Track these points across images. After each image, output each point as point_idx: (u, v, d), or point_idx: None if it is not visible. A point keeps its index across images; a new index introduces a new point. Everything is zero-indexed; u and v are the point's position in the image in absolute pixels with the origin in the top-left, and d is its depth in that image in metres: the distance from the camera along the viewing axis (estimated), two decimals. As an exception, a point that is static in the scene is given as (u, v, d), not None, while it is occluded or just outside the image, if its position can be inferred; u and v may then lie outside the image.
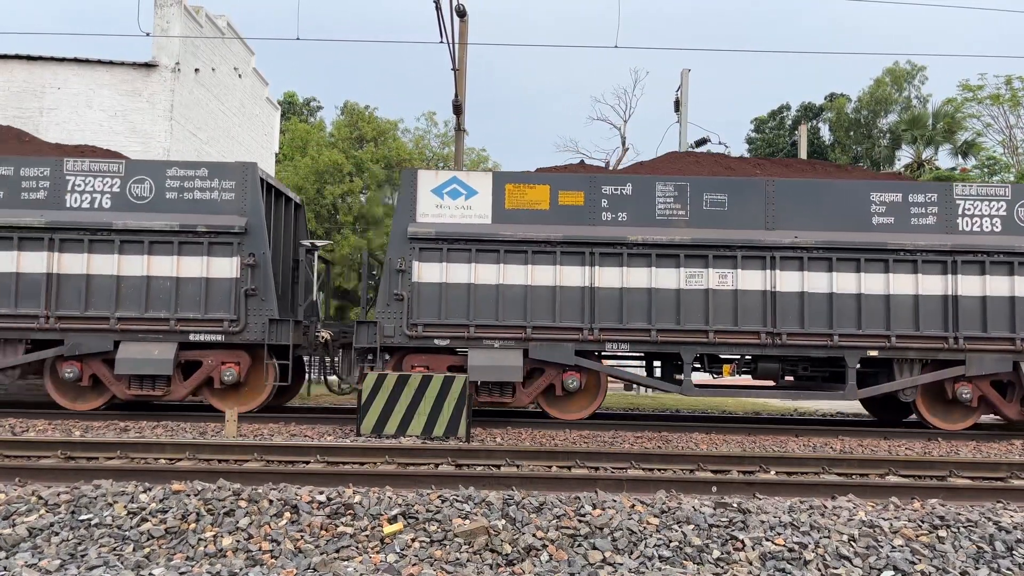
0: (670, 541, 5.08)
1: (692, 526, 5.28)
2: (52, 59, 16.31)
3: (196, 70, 17.37)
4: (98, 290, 10.84)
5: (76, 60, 16.29)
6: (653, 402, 16.67)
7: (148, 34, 15.53)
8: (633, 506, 5.57)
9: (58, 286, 10.83)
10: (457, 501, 5.54)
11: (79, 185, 11.03)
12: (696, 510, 5.50)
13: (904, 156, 34.95)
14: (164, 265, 10.90)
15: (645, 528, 5.24)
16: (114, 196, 11.01)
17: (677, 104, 20.29)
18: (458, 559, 4.83)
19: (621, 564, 4.82)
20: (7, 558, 4.59)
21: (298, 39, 16.87)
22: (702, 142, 13.52)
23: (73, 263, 10.88)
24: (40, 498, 5.32)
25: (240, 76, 20.36)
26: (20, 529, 4.91)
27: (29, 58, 16.32)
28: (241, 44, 20.40)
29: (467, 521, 5.23)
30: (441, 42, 15.10)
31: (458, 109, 16.24)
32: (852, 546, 5.07)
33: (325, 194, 28.29)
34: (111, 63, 16.32)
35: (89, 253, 10.86)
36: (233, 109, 20.01)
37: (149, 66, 16.25)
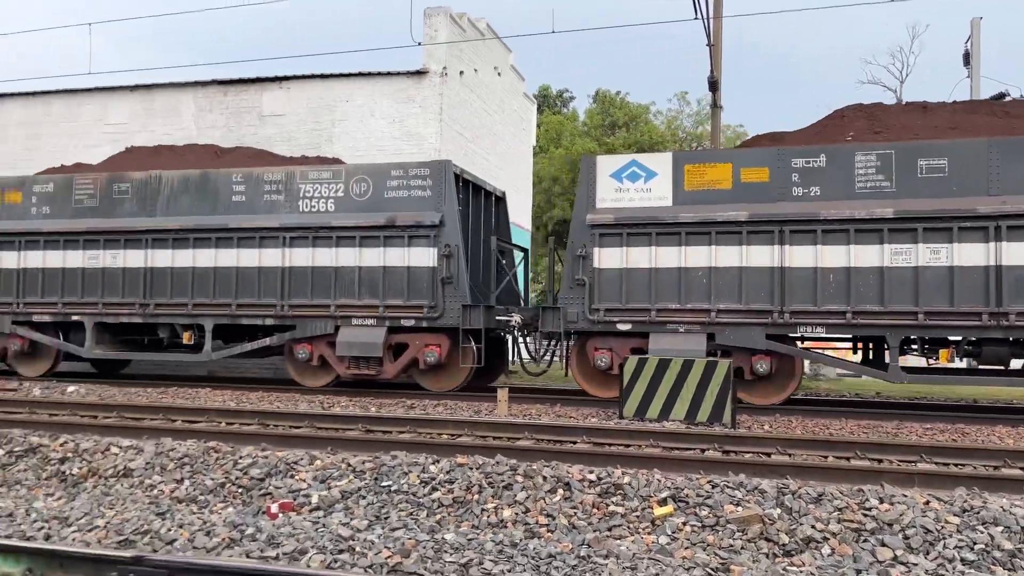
0: (974, 543, 4.59)
1: (1000, 528, 4.73)
2: (342, 75, 18.24)
3: (461, 73, 18.52)
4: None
5: (360, 75, 18.07)
6: (906, 390, 15.07)
7: (420, 43, 16.81)
8: (927, 503, 5.10)
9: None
10: (728, 487, 5.43)
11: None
12: (1005, 511, 4.91)
13: None
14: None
15: (943, 527, 4.77)
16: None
17: (967, 57, 18.09)
18: (731, 546, 4.74)
19: (916, 564, 4.44)
20: (325, 516, 5.26)
21: (553, 32, 17.34)
22: (1000, 97, 11.90)
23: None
24: (349, 465, 6.04)
25: (499, 74, 21.39)
26: (334, 492, 5.61)
27: (323, 76, 18.39)
28: (500, 44, 21.41)
29: (739, 508, 5.11)
30: (695, 18, 14.74)
31: (714, 86, 15.77)
32: None
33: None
34: (389, 74, 17.91)
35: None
36: (494, 107, 21.08)
37: (420, 73, 17.60)
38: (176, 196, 12.86)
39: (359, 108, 18.38)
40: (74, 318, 13.03)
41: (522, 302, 13.42)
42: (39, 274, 13.18)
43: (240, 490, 5.80)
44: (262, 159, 14.07)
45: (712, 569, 4.38)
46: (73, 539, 4.75)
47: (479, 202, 13.29)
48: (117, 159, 15.13)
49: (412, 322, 11.80)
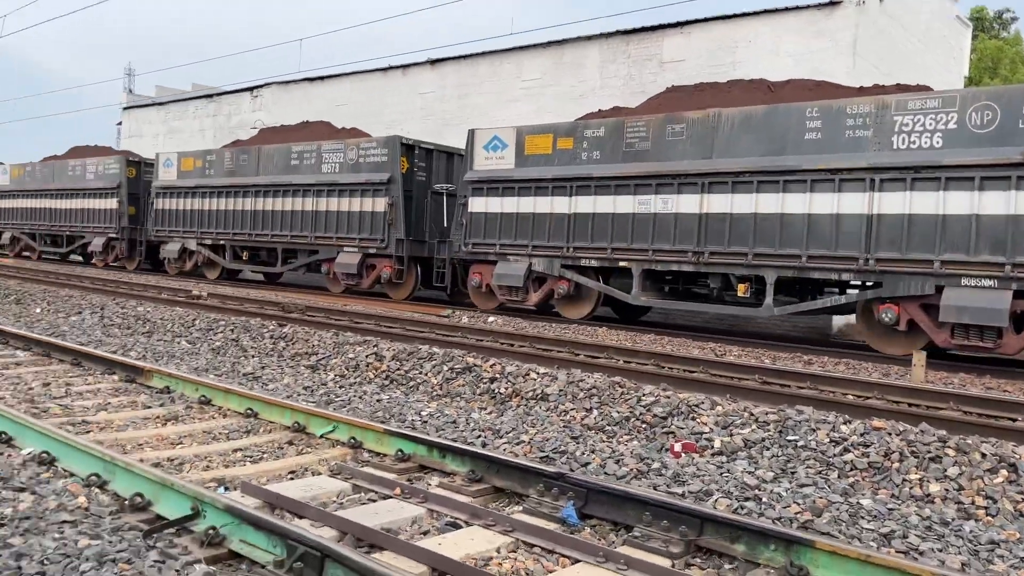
0: None
1: None
2: (744, 15, 17.57)
3: (880, -1, 16.67)
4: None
5: (766, 12, 17.22)
6: None
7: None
8: None
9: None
10: None
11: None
12: None
13: None
14: (996, 202, 9.77)
15: None
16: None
17: None
18: None
19: None
20: (728, 461, 5.21)
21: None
22: None
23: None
24: (751, 415, 5.91)
25: (927, -3, 18.83)
26: (737, 439, 5.54)
27: (726, 17, 17.88)
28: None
29: None
30: None
31: None
32: None
33: None
34: (797, 8, 16.80)
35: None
36: (917, 35, 18.66)
37: (833, 4, 16.21)
38: (736, 135, 11.83)
39: (761, 48, 17.58)
40: (621, 264, 12.90)
41: None
42: (589, 219, 13.21)
43: (644, 426, 6.02)
44: (821, 91, 12.56)
45: None
46: (503, 449, 5.34)
47: None
48: (654, 102, 14.32)
49: None
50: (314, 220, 17.19)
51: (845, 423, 5.59)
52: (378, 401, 6.93)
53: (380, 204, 15.95)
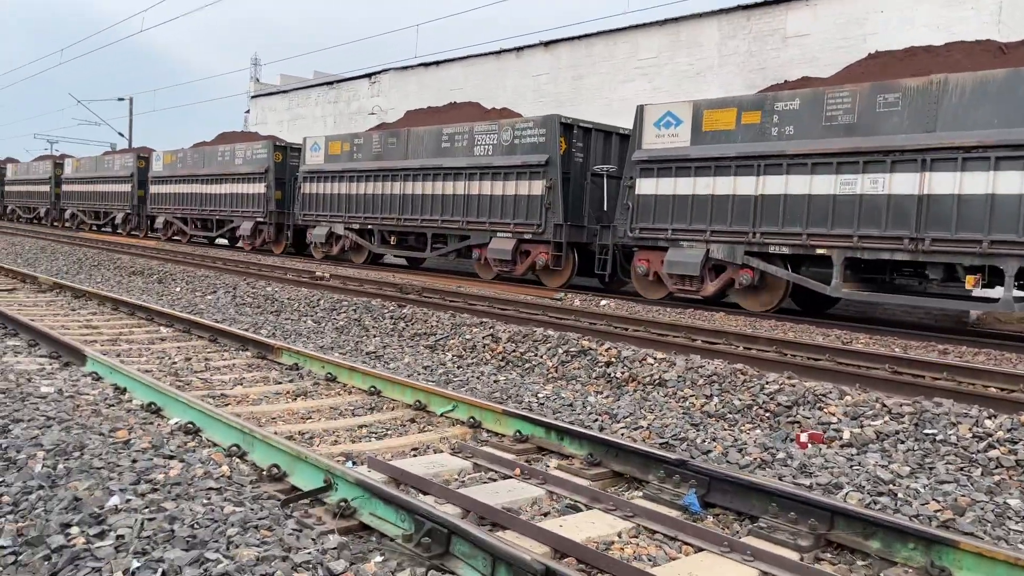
0: None
1: None
2: (876, -16, 16.63)
3: (1030, -39, 15.41)
4: None
5: (900, -21, 16.25)
6: None
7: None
8: None
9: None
10: None
11: None
12: None
13: None
14: None
15: None
16: None
17: None
18: None
19: None
20: (859, 454, 4.99)
21: None
22: None
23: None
24: (884, 406, 5.63)
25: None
26: (868, 431, 5.29)
27: (856, -12, 16.97)
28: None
29: None
30: None
31: None
32: None
33: None
34: (934, -26, 15.76)
35: None
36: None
37: (975, -32, 15.12)
38: (967, 105, 10.43)
39: (896, 18, 16.59)
40: (819, 251, 11.56)
41: None
42: (779, 201, 11.88)
43: (767, 414, 5.84)
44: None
45: None
46: (621, 434, 5.30)
47: None
48: (856, 69, 12.90)
49: None
50: (466, 204, 16.49)
51: (990, 417, 5.25)
52: (495, 382, 7.02)
53: (537, 187, 15.03)
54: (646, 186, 13.46)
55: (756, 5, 19.43)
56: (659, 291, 13.71)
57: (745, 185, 12.28)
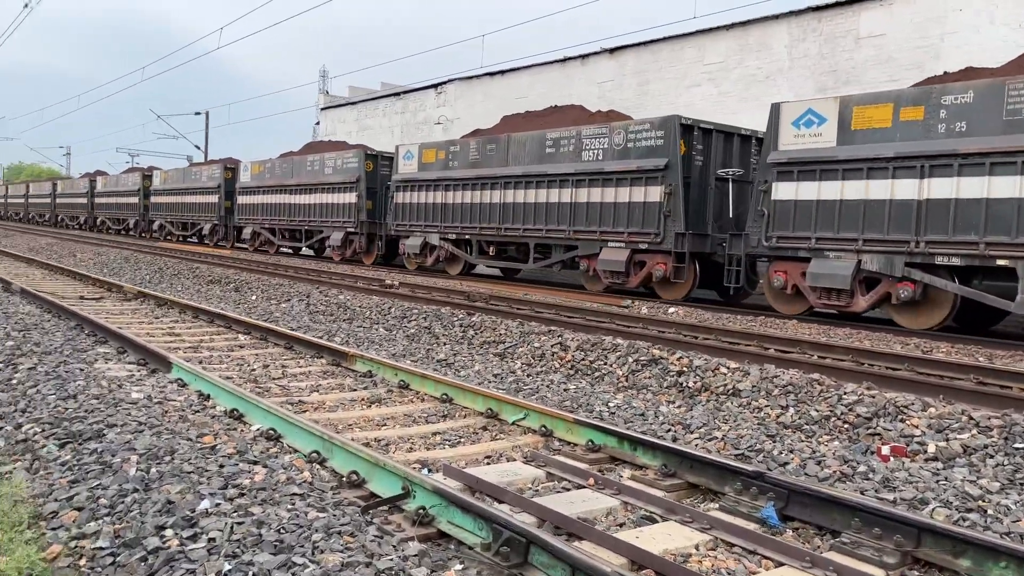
0: None
1: None
2: (955, -19, 16.11)
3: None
4: None
5: (980, -25, 15.70)
6: None
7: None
8: None
9: None
10: None
11: None
12: None
13: None
14: None
15: None
16: None
17: None
18: None
19: None
20: (945, 468, 4.83)
21: None
22: None
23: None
24: (971, 418, 5.44)
25: None
26: (954, 444, 5.12)
27: (933, -14, 16.48)
28: None
29: None
30: None
31: None
32: None
33: None
34: (1018, -31, 15.18)
35: None
36: None
37: (1063, -38, 14.49)
38: None
39: (974, 16, 16.03)
40: (1000, 262, 10.30)
41: None
42: (948, 206, 10.68)
43: (846, 426, 5.70)
44: None
45: None
46: (695, 445, 5.25)
47: None
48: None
49: None
50: (573, 212, 15.54)
51: (1087, 433, 5.02)
52: (565, 390, 7.02)
53: (654, 193, 14.00)
54: (784, 191, 12.32)
55: (828, 6, 19.01)
56: (798, 305, 12.58)
57: (906, 189, 11.06)
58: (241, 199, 29.36)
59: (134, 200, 38.13)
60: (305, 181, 25.10)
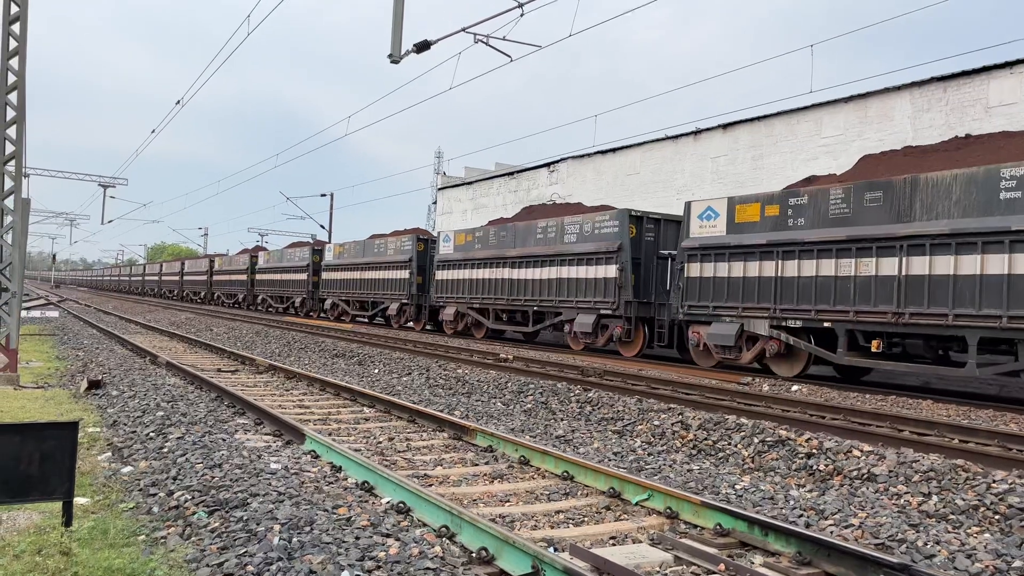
0: None
1: None
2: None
3: None
4: None
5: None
6: None
7: None
8: None
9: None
10: None
11: None
12: None
13: None
14: None
15: None
16: None
17: None
18: None
19: None
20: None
21: None
22: None
23: None
24: None
25: None
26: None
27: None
28: None
29: None
30: None
31: None
32: None
33: None
34: None
35: None
36: None
37: None
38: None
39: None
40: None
41: None
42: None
43: (997, 517, 5.32)
44: None
45: None
46: (831, 532, 5.02)
47: None
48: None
49: None
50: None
51: None
52: (688, 471, 6.88)
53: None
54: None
55: (954, 76, 18.46)
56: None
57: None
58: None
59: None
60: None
